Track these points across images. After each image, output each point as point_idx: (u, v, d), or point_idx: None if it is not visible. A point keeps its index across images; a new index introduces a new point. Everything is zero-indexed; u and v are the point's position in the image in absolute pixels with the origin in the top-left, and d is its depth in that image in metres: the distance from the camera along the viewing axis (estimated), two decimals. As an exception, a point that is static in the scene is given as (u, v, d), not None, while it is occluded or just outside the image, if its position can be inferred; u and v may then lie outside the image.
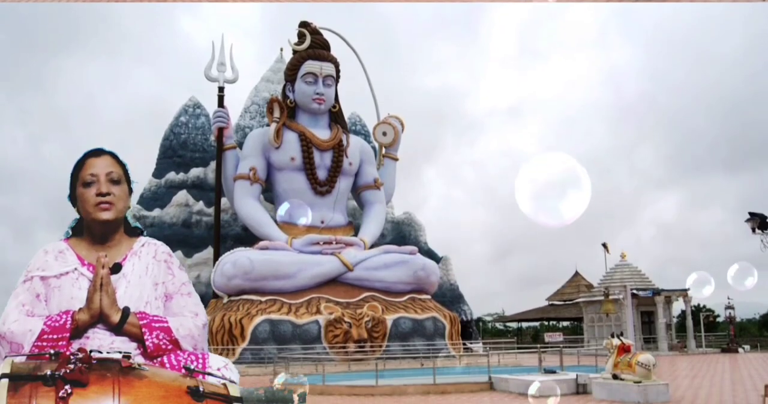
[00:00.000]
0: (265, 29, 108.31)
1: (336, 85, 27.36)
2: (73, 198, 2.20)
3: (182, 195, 29.44)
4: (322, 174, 26.37)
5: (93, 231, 2.18)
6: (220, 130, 26.38)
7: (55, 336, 1.88)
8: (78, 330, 1.93)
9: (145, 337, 1.97)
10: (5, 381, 1.50)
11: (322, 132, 26.77)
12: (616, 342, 11.49)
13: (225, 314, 22.14)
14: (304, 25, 27.50)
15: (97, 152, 2.21)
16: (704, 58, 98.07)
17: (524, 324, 55.81)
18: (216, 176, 26.86)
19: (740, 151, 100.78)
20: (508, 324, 56.75)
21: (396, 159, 29.27)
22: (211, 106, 29.01)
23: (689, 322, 32.92)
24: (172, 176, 30.54)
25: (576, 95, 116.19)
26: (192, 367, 1.76)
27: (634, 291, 30.93)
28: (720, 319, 42.93)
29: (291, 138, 26.23)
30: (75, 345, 1.86)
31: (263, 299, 22.73)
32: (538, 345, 17.92)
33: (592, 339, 32.31)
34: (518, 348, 27.27)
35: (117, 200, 2.14)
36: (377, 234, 27.07)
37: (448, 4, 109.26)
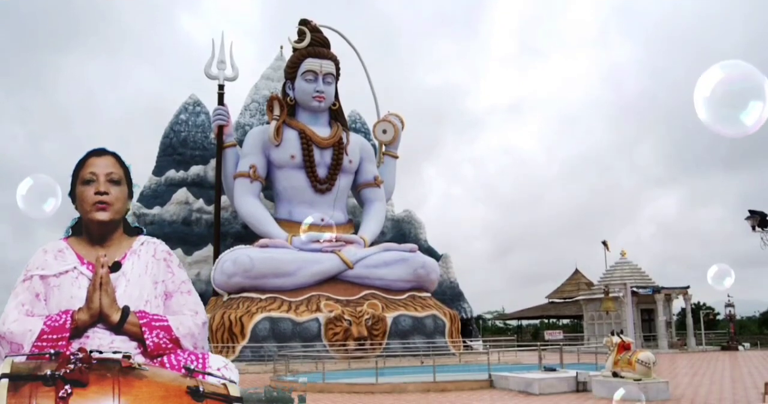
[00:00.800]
0: (265, 27, 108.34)
1: (336, 83, 27.36)
2: (73, 196, 2.20)
3: (182, 193, 29.46)
4: (322, 172, 26.38)
5: (91, 231, 2.18)
6: (220, 128, 26.38)
7: (54, 336, 1.88)
8: (78, 330, 1.93)
9: (146, 336, 1.97)
10: (5, 381, 1.50)
11: (322, 130, 26.76)
12: (616, 339, 11.49)
13: (225, 312, 22.15)
14: (304, 22, 27.50)
15: (100, 152, 2.21)
16: (704, 56, 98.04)
17: (524, 322, 55.87)
18: (216, 174, 26.88)
19: (740, 149, 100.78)
20: (508, 321, 56.77)
21: (396, 157, 29.27)
22: (211, 103, 29.08)
23: (689, 320, 32.94)
24: (172, 173, 30.56)
25: (576, 93, 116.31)
26: (192, 367, 1.76)
27: (634, 289, 30.94)
28: (720, 317, 42.94)
29: (291, 136, 26.23)
30: (75, 345, 1.86)
31: (263, 296, 22.75)
32: (538, 343, 17.92)
33: (592, 336, 32.35)
34: (518, 346, 27.27)
35: (115, 200, 2.13)
36: (377, 232, 27.09)
37: (448, 2, 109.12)
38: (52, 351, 1.65)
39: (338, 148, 26.64)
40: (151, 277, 2.16)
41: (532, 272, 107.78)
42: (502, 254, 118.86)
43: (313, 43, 26.90)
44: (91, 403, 1.49)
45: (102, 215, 2.12)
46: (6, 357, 1.78)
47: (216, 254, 25.00)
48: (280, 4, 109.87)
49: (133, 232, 2.29)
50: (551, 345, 20.37)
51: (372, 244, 25.79)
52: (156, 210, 29.17)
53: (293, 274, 23.27)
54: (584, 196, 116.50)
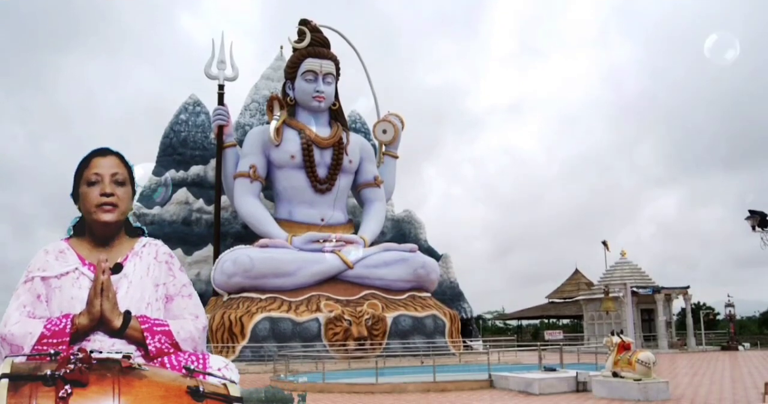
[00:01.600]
0: (265, 27, 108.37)
1: (336, 83, 27.36)
2: (76, 196, 2.18)
3: (182, 193, 29.46)
4: (322, 172, 26.37)
5: (94, 231, 2.16)
6: (220, 128, 26.38)
7: (54, 340, 1.86)
8: (78, 334, 1.92)
9: (147, 341, 1.96)
10: (5, 381, 1.50)
11: (322, 130, 26.77)
12: (616, 339, 11.48)
13: (225, 312, 22.15)
14: (304, 22, 27.50)
15: (104, 152, 2.19)
16: (704, 56, 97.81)
17: (524, 322, 55.87)
18: (216, 174, 26.87)
19: (740, 148, 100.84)
20: (508, 321, 56.76)
21: (396, 157, 29.27)
22: (211, 103, 29.09)
23: (689, 320, 32.93)
24: (172, 173, 30.54)
25: (576, 93, 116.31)
26: (192, 367, 1.76)
27: (634, 289, 30.94)
28: (720, 317, 42.92)
29: (291, 136, 26.23)
30: (75, 346, 1.86)
31: (263, 297, 22.75)
32: (538, 343, 17.92)
33: (592, 336, 32.35)
34: (518, 346, 27.27)
35: (120, 201, 2.12)
36: (377, 232, 27.08)
37: (448, 2, 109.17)
38: (52, 352, 1.64)
39: (338, 148, 26.64)
40: (153, 280, 2.15)
41: (532, 272, 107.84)
42: (502, 254, 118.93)
43: (313, 43, 26.91)
44: (91, 403, 1.49)
45: (108, 216, 2.10)
46: (6, 357, 1.78)
47: (216, 254, 25.00)
48: (280, 4, 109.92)
49: (135, 233, 2.27)
50: (551, 345, 20.36)
51: (372, 244, 25.79)
52: (156, 210, 29.17)
53: (293, 274, 23.26)
54: (584, 196, 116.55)
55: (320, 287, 23.59)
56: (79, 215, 2.20)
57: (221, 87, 26.85)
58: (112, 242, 2.18)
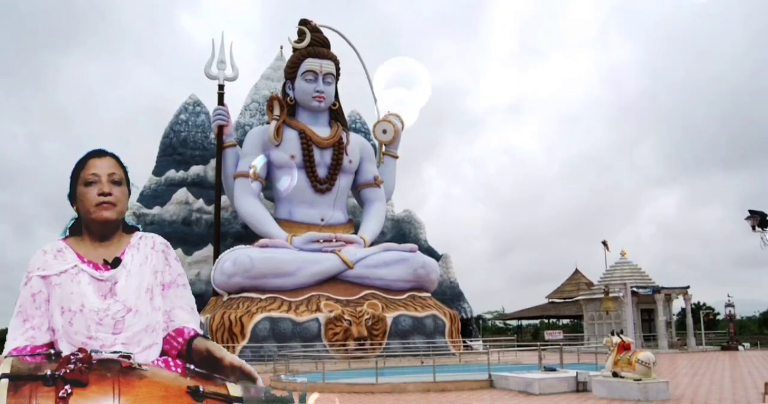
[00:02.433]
0: (265, 27, 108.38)
1: (336, 83, 27.37)
2: (73, 197, 2.20)
3: (182, 193, 29.45)
4: (322, 172, 26.38)
5: (92, 231, 2.19)
6: (220, 128, 26.38)
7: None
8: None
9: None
10: (5, 380, 1.50)
11: (322, 130, 26.77)
12: (616, 339, 11.49)
13: (225, 312, 22.14)
14: (304, 22, 27.51)
15: (100, 153, 2.23)
16: (704, 56, 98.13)
17: (524, 322, 55.87)
18: (216, 174, 26.88)
19: (740, 148, 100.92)
20: (508, 321, 56.76)
21: (396, 157, 29.27)
22: (211, 103, 29.08)
23: (689, 320, 32.94)
24: (172, 173, 30.56)
25: (576, 93, 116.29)
26: (193, 367, 1.76)
27: (634, 289, 30.95)
28: (720, 317, 42.92)
29: (291, 136, 26.24)
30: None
31: (263, 296, 22.75)
32: (538, 343, 17.92)
33: (592, 336, 32.34)
34: (518, 346, 27.26)
35: (118, 201, 2.16)
36: (377, 232, 27.09)
37: (448, 2, 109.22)
38: (53, 351, 1.65)
39: (338, 148, 26.65)
40: (152, 267, 2.20)
41: (532, 272, 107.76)
42: (502, 254, 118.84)
43: (313, 43, 26.91)
44: (91, 403, 1.49)
45: (108, 214, 2.13)
46: (6, 356, 1.79)
47: (216, 254, 25.00)
48: (280, 4, 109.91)
49: (131, 230, 2.32)
50: (551, 345, 20.36)
51: (372, 244, 25.79)
52: (156, 210, 29.16)
53: (293, 274, 23.26)
54: (584, 196, 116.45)
55: (320, 287, 23.59)
56: (75, 216, 2.22)
57: (221, 87, 26.86)
58: (111, 240, 2.21)
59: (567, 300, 44.05)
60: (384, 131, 28.50)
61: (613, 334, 11.82)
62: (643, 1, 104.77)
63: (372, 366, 15.10)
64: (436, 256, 31.20)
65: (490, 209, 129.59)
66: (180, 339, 2.14)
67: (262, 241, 24.24)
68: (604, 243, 34.64)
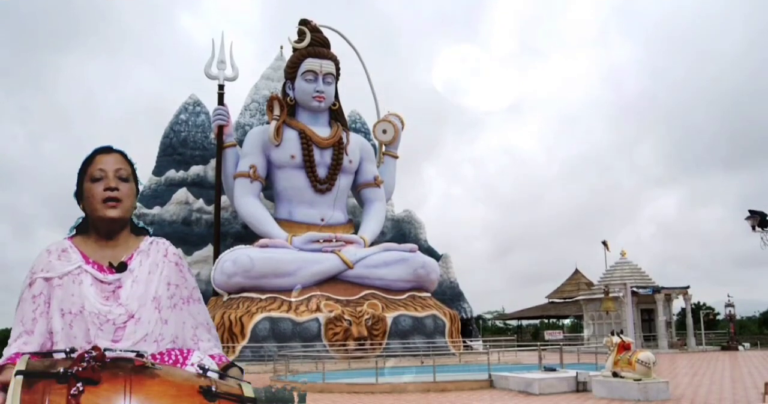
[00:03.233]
0: (265, 27, 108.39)
1: (336, 83, 27.37)
2: (79, 195, 2.17)
3: (182, 193, 29.45)
4: (322, 172, 26.39)
5: (99, 229, 2.15)
6: (220, 128, 26.38)
7: None
8: None
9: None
10: (20, 377, 1.51)
11: (322, 130, 26.78)
12: (616, 339, 11.50)
13: (225, 312, 22.15)
14: (304, 22, 27.51)
15: (107, 149, 2.20)
16: (704, 56, 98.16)
17: (524, 322, 55.89)
18: (216, 174, 26.87)
19: (740, 148, 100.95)
20: (508, 321, 56.77)
21: (396, 157, 29.28)
22: (211, 103, 29.10)
23: (689, 320, 32.96)
24: (172, 173, 30.56)
25: (576, 93, 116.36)
26: (206, 366, 1.76)
27: (634, 289, 30.96)
28: (720, 317, 42.95)
29: (291, 136, 26.24)
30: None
31: (263, 296, 22.75)
32: (538, 343, 17.93)
33: (592, 336, 32.35)
34: (518, 346, 27.28)
35: (125, 197, 2.12)
36: (377, 232, 27.09)
37: (448, 2, 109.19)
38: (68, 349, 1.66)
39: (338, 148, 26.65)
40: (164, 278, 2.15)
41: (532, 272, 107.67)
42: (502, 254, 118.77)
43: (313, 43, 26.92)
44: (103, 401, 1.50)
45: (113, 213, 2.09)
46: (23, 354, 1.79)
47: (216, 254, 24.99)
48: (280, 4, 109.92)
49: (140, 232, 2.27)
50: (551, 345, 20.37)
51: (372, 244, 25.80)
52: (156, 210, 29.16)
53: (293, 274, 23.26)
54: (584, 196, 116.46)
55: (320, 287, 23.59)
56: (83, 215, 2.20)
57: (221, 87, 26.85)
58: (117, 240, 2.16)
59: (567, 300, 44.05)
60: (384, 131, 28.51)
61: (613, 334, 11.83)
62: (643, 1, 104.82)
63: (372, 366, 15.10)
64: (436, 256, 31.21)
65: (490, 209, 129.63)
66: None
67: (262, 241, 24.24)
68: (604, 243, 34.66)
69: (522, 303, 53.54)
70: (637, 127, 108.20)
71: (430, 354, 18.66)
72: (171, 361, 1.98)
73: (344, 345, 21.96)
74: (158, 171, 31.18)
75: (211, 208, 28.24)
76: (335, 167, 26.51)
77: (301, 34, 27.21)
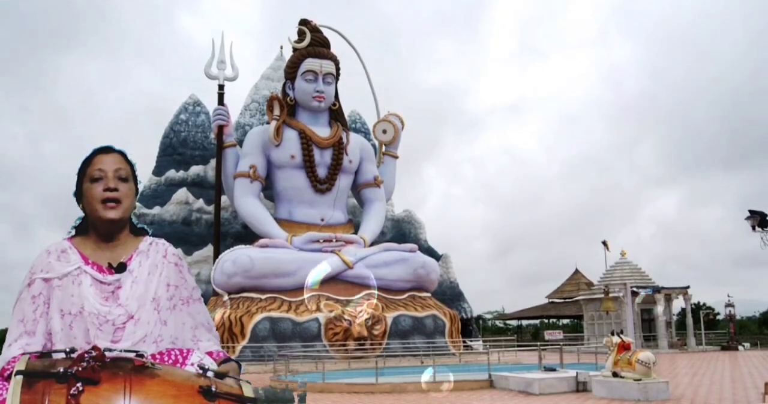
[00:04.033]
0: (265, 27, 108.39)
1: (336, 83, 27.37)
2: (79, 195, 2.16)
3: (182, 193, 29.45)
4: (322, 172, 26.38)
5: (98, 229, 2.15)
6: (220, 128, 26.37)
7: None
8: None
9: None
10: (20, 377, 1.51)
11: (322, 130, 26.77)
12: (616, 339, 11.50)
13: (225, 312, 22.14)
14: (304, 22, 27.51)
15: (106, 149, 2.19)
16: (704, 56, 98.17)
17: (524, 322, 55.87)
18: (216, 174, 26.87)
19: (740, 148, 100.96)
20: (508, 321, 56.76)
21: (396, 157, 29.27)
22: (211, 103, 29.10)
23: (689, 320, 32.96)
24: (172, 173, 30.56)
25: (576, 93, 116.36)
26: (206, 366, 1.76)
27: (634, 289, 30.95)
28: (720, 317, 42.95)
29: (291, 136, 26.24)
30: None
31: (263, 296, 22.75)
32: (538, 343, 17.93)
33: (592, 336, 32.35)
34: (518, 346, 27.28)
35: (124, 197, 2.11)
36: (377, 232, 27.09)
37: (448, 2, 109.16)
38: (68, 349, 1.65)
39: (338, 148, 26.65)
40: (164, 279, 2.15)
41: (532, 272, 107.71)
42: (502, 254, 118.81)
43: (313, 43, 26.91)
44: (102, 401, 1.50)
45: (112, 214, 2.09)
46: (24, 354, 1.79)
47: (216, 254, 24.98)
48: (280, 4, 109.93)
49: (139, 232, 2.26)
50: (551, 345, 20.37)
51: (372, 244, 25.79)
52: (156, 210, 29.16)
53: (293, 274, 23.25)
54: (584, 196, 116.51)
55: (320, 287, 23.58)
56: (82, 215, 2.20)
57: (221, 87, 26.84)
58: (117, 240, 2.16)
59: (567, 300, 44.05)
60: (384, 131, 28.51)
61: (613, 334, 11.83)
62: (643, 1, 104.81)
63: (372, 366, 15.10)
64: (436, 256, 31.20)
65: (490, 209, 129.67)
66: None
67: (262, 241, 24.24)
68: (604, 243, 34.65)
69: (522, 303, 53.61)
70: (637, 127, 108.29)
71: (430, 354, 18.66)
72: (171, 361, 1.98)
73: (344, 345, 21.96)
74: (158, 171, 31.18)
75: (211, 208, 28.24)
76: (335, 167, 26.51)
77: (301, 34, 27.21)
